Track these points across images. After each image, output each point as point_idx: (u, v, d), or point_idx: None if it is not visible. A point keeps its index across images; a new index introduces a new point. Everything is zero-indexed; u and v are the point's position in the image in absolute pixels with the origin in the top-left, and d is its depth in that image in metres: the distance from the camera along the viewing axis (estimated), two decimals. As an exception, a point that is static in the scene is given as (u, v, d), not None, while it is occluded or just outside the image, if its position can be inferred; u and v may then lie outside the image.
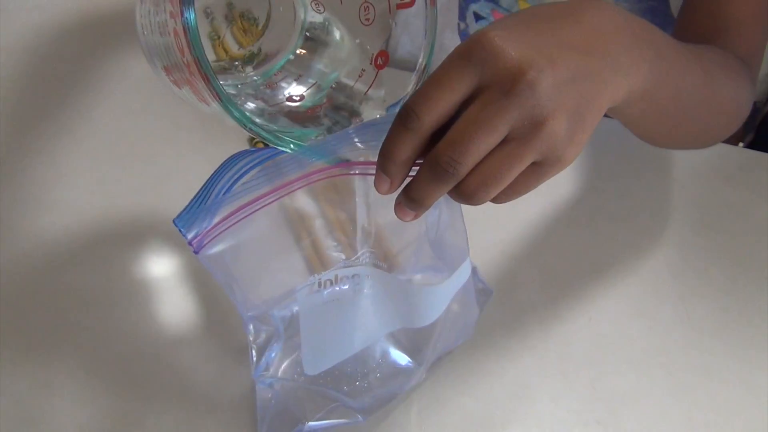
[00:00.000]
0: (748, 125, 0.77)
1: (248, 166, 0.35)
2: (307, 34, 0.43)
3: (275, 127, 0.36)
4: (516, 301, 0.54)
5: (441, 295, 0.44)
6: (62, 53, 0.71)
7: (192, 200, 0.34)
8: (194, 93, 0.34)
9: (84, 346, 0.51)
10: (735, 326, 0.54)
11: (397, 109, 0.36)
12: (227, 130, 0.62)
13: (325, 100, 0.41)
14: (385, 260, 0.43)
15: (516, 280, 0.56)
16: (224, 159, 0.35)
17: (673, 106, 0.44)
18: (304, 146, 0.35)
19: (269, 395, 0.46)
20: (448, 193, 0.34)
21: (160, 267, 0.55)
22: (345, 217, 0.50)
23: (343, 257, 0.50)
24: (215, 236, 0.35)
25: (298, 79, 0.42)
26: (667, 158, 0.65)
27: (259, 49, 0.42)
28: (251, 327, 0.44)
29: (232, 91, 0.41)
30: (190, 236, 0.35)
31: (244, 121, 0.33)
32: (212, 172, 0.35)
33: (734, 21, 0.54)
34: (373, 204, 0.40)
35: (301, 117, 0.41)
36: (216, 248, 0.36)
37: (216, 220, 0.35)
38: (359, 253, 0.42)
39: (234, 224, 0.35)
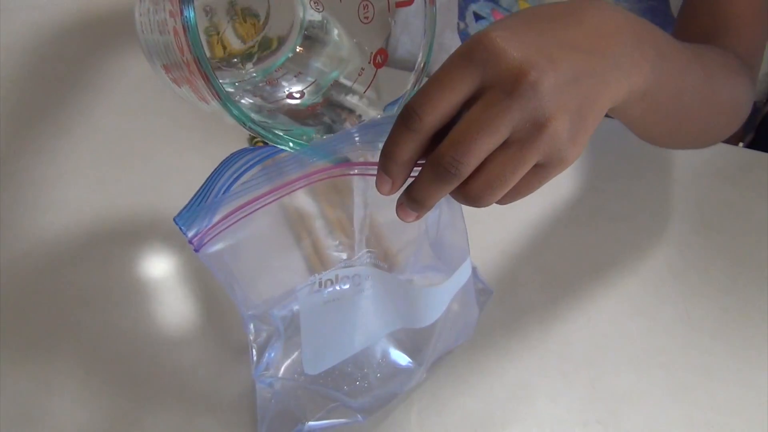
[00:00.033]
0: (748, 125, 0.77)
1: (248, 165, 0.35)
2: (306, 33, 0.43)
3: (274, 125, 0.36)
4: (516, 301, 0.54)
5: (441, 295, 0.44)
6: (62, 53, 0.71)
7: (192, 198, 0.34)
8: (194, 91, 0.34)
9: (84, 345, 0.50)
10: (735, 326, 0.54)
11: (395, 108, 0.35)
12: (227, 128, 0.61)
13: (324, 99, 0.41)
14: (385, 260, 0.43)
15: (516, 280, 0.56)
16: (224, 157, 0.35)
17: (674, 105, 0.44)
18: (304, 145, 0.35)
19: (269, 395, 0.46)
20: (454, 196, 0.34)
21: (160, 266, 0.55)
22: (345, 217, 0.50)
23: (344, 257, 0.50)
24: (215, 235, 0.35)
25: (298, 77, 0.42)
26: (667, 158, 0.65)
27: (259, 45, 0.42)
28: (251, 326, 0.44)
29: (230, 89, 0.41)
30: (190, 234, 0.35)
31: (243, 119, 0.33)
32: (212, 170, 0.35)
33: (734, 21, 0.54)
34: (373, 204, 0.40)
35: (301, 115, 0.41)
36: (216, 247, 0.36)
37: (216, 218, 0.35)
38: (359, 253, 0.42)
39: (234, 223, 0.35)
